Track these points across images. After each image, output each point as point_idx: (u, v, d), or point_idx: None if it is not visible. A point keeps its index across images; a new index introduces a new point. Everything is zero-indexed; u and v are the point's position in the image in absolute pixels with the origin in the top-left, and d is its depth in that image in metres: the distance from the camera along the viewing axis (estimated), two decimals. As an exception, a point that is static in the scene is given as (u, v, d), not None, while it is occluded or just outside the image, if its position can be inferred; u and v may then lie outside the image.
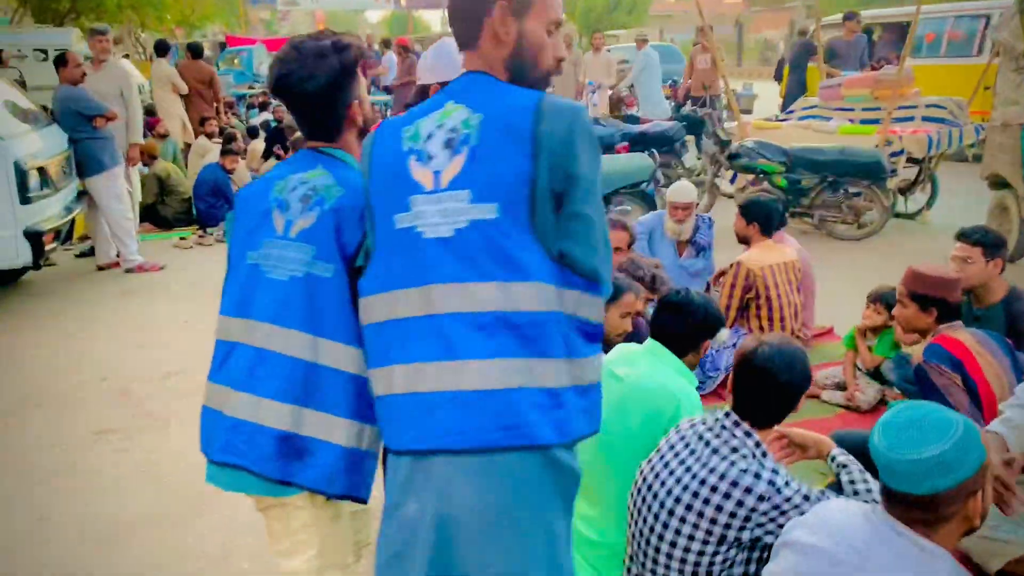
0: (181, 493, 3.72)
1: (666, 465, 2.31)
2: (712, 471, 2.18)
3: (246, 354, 1.94)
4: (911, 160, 7.99)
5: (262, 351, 1.92)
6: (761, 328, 4.49)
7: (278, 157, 11.24)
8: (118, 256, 7.41)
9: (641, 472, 2.42)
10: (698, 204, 5.49)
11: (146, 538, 3.42)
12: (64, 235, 6.50)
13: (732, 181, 8.61)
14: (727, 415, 2.30)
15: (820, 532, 1.86)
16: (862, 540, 1.77)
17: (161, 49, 11.05)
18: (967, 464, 1.67)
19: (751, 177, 7.92)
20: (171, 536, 3.43)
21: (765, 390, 2.25)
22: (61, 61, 6.95)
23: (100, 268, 7.44)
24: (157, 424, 4.45)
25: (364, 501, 1.96)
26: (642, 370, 2.74)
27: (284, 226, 1.94)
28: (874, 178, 7.35)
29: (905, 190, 8.34)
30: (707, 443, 2.25)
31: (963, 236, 3.77)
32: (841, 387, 4.45)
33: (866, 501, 2.18)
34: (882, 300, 4.33)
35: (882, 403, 4.33)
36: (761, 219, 4.55)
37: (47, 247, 6.09)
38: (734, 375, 2.31)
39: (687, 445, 2.30)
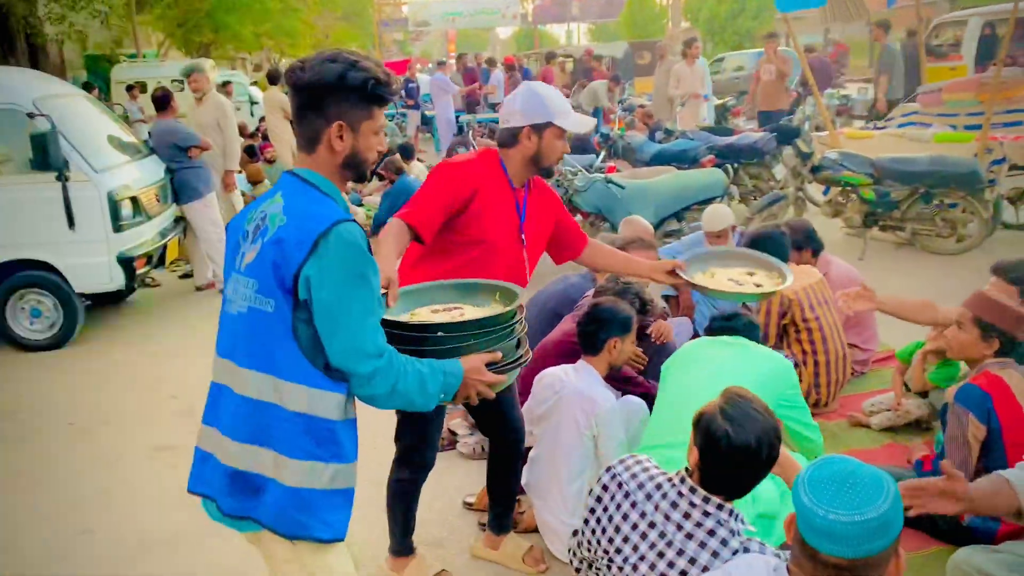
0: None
1: (626, 540, 2.20)
2: (692, 562, 2.08)
3: (213, 389, 2.04)
4: (1017, 167, 7.42)
5: (221, 387, 2.00)
6: (804, 352, 4.30)
7: (381, 177, 11.66)
8: (214, 277, 7.88)
9: (587, 523, 2.34)
10: (735, 227, 5.30)
11: (172, 552, 3.64)
12: (156, 259, 6.96)
13: (825, 193, 8.25)
14: (693, 491, 2.14)
15: None
16: None
17: (272, 78, 11.67)
18: (898, 522, 1.58)
19: (839, 189, 7.58)
20: (193, 552, 3.62)
21: (739, 470, 2.10)
22: (162, 101, 7.50)
23: (199, 289, 7.93)
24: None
25: (322, 541, 1.92)
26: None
27: (240, 259, 1.97)
28: (970, 188, 6.87)
29: (1015, 200, 7.75)
30: (679, 526, 2.12)
31: (999, 272, 3.52)
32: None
33: None
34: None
35: (926, 428, 4.09)
36: (771, 250, 4.32)
37: (139, 271, 6.55)
38: (702, 453, 2.12)
39: (645, 518, 2.18)
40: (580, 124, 2.89)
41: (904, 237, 7.43)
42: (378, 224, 9.32)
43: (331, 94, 1.92)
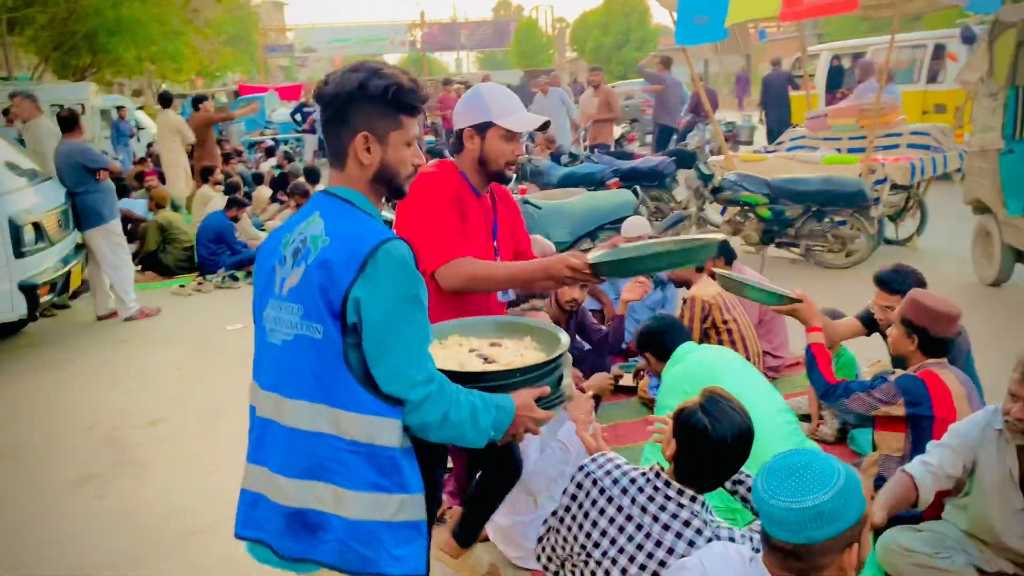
0: (151, 537, 3.83)
1: (603, 533, 2.27)
2: (670, 552, 2.17)
3: (258, 424, 1.91)
4: (898, 187, 8.03)
5: (268, 422, 1.87)
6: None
7: (281, 202, 11.52)
8: (115, 306, 7.59)
9: (562, 521, 2.41)
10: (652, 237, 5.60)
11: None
12: (60, 287, 6.68)
13: (723, 213, 8.68)
14: (668, 484, 2.24)
15: None
16: None
17: (165, 101, 11.36)
18: (846, 516, 1.67)
19: (737, 209, 8.00)
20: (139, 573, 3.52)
21: (715, 464, 2.21)
22: (69, 121, 7.20)
23: (99, 318, 7.62)
24: (137, 470, 4.57)
25: None
26: None
27: (280, 284, 1.86)
28: (857, 206, 7.39)
29: (895, 217, 8.37)
30: (655, 518, 2.22)
31: (880, 283, 3.82)
32: (806, 418, 4.48)
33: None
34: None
35: (845, 435, 4.35)
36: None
37: (42, 299, 6.28)
38: (680, 446, 2.23)
39: (622, 512, 2.26)
40: (524, 123, 2.74)
41: (798, 253, 7.90)
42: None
43: (353, 104, 1.85)
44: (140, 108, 19.36)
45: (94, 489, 4.37)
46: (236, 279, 8.76)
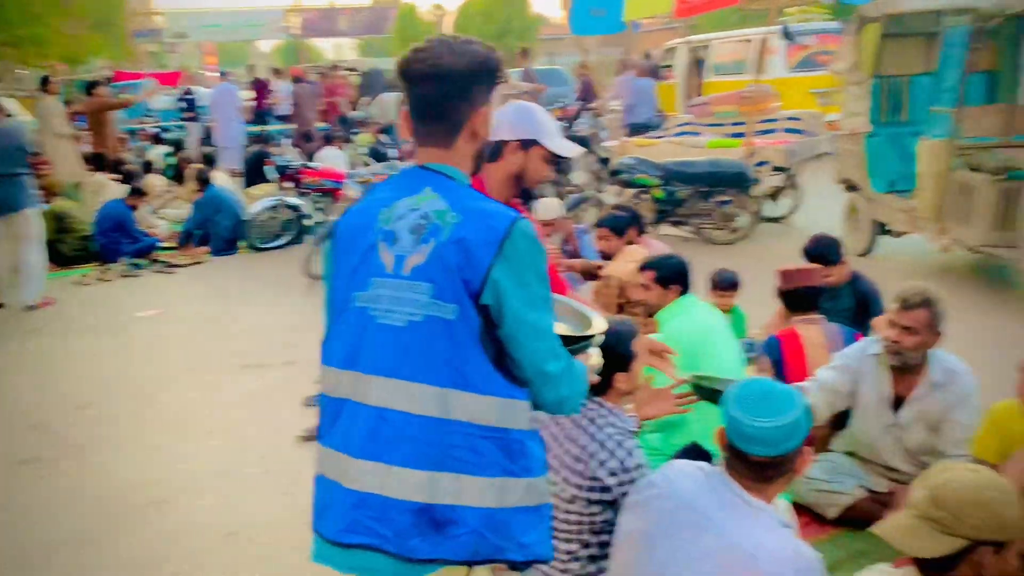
0: (105, 512, 3.93)
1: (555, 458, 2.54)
2: (585, 449, 2.48)
3: (363, 414, 1.74)
4: (776, 169, 8.74)
5: (383, 411, 1.71)
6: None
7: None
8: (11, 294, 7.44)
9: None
10: (573, 218, 6.00)
11: (72, 557, 3.61)
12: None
13: (619, 196, 9.20)
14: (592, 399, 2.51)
15: (668, 493, 2.16)
16: (703, 500, 2.08)
17: (47, 86, 10.96)
18: (807, 425, 2.03)
19: (632, 191, 8.52)
20: (98, 553, 3.63)
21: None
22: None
23: (31, 308, 7.40)
24: (76, 452, 4.61)
25: (517, 566, 1.77)
26: None
27: (395, 262, 1.74)
28: (741, 187, 8.03)
29: (772, 196, 9.09)
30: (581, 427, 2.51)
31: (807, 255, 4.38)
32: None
33: None
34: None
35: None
36: (618, 231, 5.07)
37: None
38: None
39: (564, 429, 2.57)
40: (568, 149, 2.75)
41: (689, 231, 8.50)
42: (187, 234, 9.17)
43: (477, 78, 1.79)
44: (10, 95, 18.33)
45: (35, 471, 4.41)
46: (139, 267, 8.66)
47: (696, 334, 3.51)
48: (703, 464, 2.25)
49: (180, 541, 3.66)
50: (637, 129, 11.96)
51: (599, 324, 2.08)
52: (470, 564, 1.71)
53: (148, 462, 4.43)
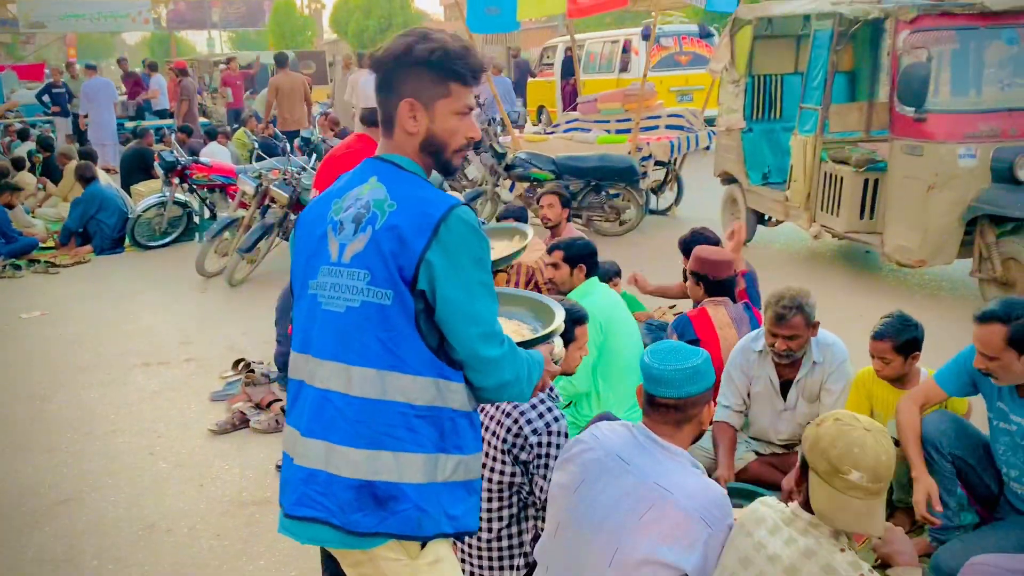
0: (11, 513, 3.85)
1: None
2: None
3: (311, 395, 1.83)
4: (659, 163, 9.16)
5: (326, 392, 1.79)
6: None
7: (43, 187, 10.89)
8: None
9: None
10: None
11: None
12: None
13: (511, 190, 9.42)
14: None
15: (594, 446, 2.36)
16: (626, 449, 2.29)
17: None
18: (708, 378, 2.27)
19: (527, 185, 8.75)
20: (10, 553, 3.56)
21: None
22: None
23: None
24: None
25: (452, 535, 1.85)
26: None
27: (338, 251, 1.80)
28: (629, 180, 8.39)
29: (656, 190, 9.52)
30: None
31: (682, 247, 4.67)
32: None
33: None
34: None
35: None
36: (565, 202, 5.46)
37: None
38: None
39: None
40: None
41: (581, 224, 8.80)
42: (68, 233, 8.83)
43: (400, 69, 1.80)
44: None
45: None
46: (19, 268, 8.28)
47: (604, 311, 3.74)
48: (627, 422, 2.46)
49: (96, 536, 3.63)
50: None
51: (560, 317, 2.19)
52: (419, 539, 1.79)
53: (50, 463, 4.33)
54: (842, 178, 6.60)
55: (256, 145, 10.49)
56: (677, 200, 9.62)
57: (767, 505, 2.23)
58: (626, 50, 14.53)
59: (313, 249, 1.86)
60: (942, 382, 3.15)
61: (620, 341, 3.48)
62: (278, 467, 4.15)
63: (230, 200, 8.80)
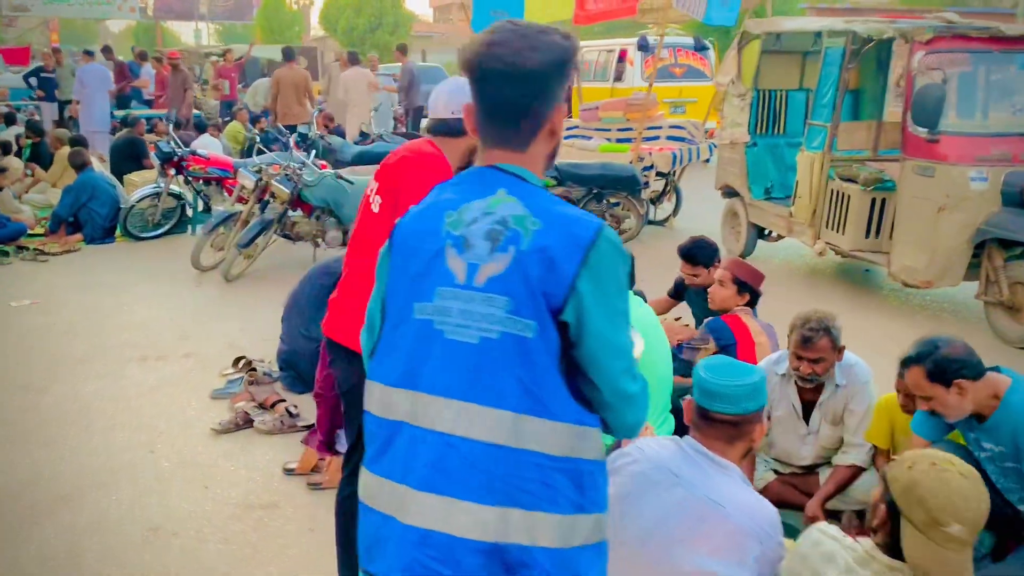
0: (9, 509, 3.73)
1: None
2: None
3: (424, 441, 1.55)
4: (659, 174, 9.14)
5: (449, 437, 1.53)
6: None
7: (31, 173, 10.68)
8: None
9: None
10: None
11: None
12: None
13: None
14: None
15: (640, 459, 2.31)
16: (675, 462, 2.25)
17: None
18: (763, 395, 2.25)
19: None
20: (7, 551, 3.44)
21: None
22: None
23: None
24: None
25: None
26: None
27: (467, 272, 1.55)
28: (631, 190, 8.36)
29: (655, 200, 9.49)
30: None
31: (685, 256, 4.65)
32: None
33: None
34: None
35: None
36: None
37: None
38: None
39: None
40: None
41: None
42: (57, 220, 8.65)
43: (558, 75, 1.60)
44: None
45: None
46: (6, 254, 8.09)
47: (640, 323, 3.71)
48: (673, 438, 2.41)
49: (99, 536, 3.52)
50: None
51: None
52: None
53: (48, 458, 4.20)
54: (849, 196, 6.61)
55: (258, 139, 10.32)
56: (675, 211, 9.60)
57: (831, 537, 2.18)
58: (621, 59, 14.53)
59: (423, 267, 1.59)
60: (918, 430, 3.18)
61: (654, 355, 3.43)
62: (285, 470, 4.07)
63: (226, 194, 8.67)
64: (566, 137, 10.11)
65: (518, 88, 1.58)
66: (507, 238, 1.54)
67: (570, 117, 10.71)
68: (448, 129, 2.65)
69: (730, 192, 8.29)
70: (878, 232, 6.52)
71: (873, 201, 6.48)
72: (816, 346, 3.35)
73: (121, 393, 4.99)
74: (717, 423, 2.23)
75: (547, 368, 1.52)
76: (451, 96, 2.67)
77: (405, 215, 1.71)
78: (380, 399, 1.62)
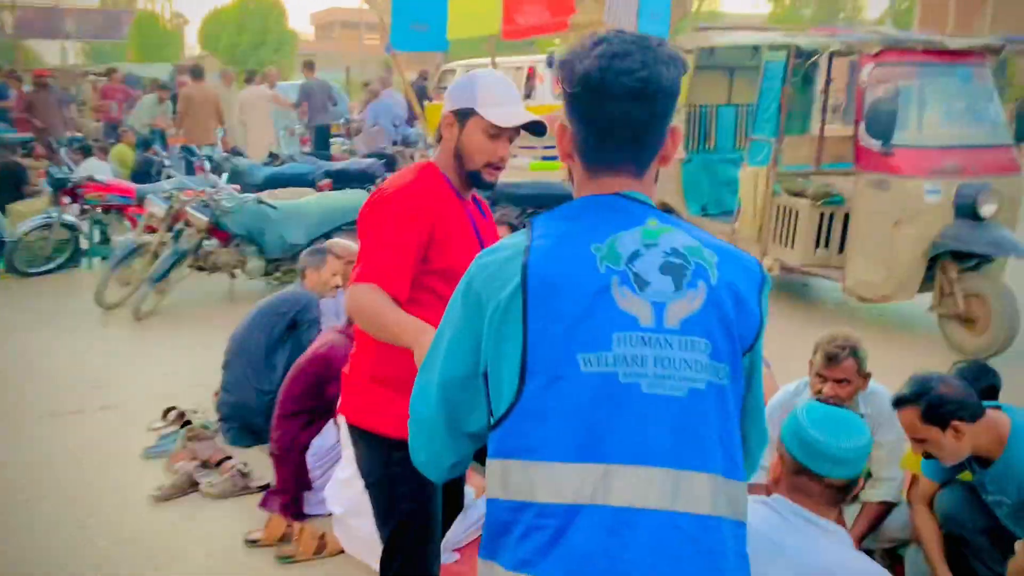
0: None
1: None
2: None
3: (634, 524, 1.27)
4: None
5: (672, 516, 1.27)
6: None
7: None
8: None
9: None
10: None
11: None
12: None
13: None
14: None
15: None
16: (774, 531, 1.97)
17: None
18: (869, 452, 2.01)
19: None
20: None
21: None
22: None
23: None
24: None
25: None
26: None
27: (652, 312, 1.33)
28: (566, 208, 8.10)
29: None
30: None
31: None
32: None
33: None
34: None
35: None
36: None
37: None
38: None
39: None
40: (508, 116, 2.20)
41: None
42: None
43: (678, 92, 1.43)
44: None
45: None
46: None
47: None
48: (763, 500, 2.13)
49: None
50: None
51: None
52: None
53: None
54: (798, 211, 6.53)
55: (166, 162, 9.47)
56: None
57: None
58: (530, 77, 14.40)
59: (583, 310, 1.32)
60: (927, 471, 3.02)
61: None
62: (247, 542, 3.54)
63: (128, 223, 7.91)
64: (491, 156, 9.84)
65: (647, 107, 1.37)
66: (693, 272, 1.36)
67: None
68: (437, 132, 2.37)
69: (667, 210, 8.13)
70: (827, 246, 6.46)
71: (822, 215, 6.43)
72: (842, 366, 3.15)
73: (36, 458, 4.30)
74: (831, 488, 1.97)
75: (735, 419, 1.37)
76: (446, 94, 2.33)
77: (530, 256, 1.36)
78: (534, 480, 1.30)
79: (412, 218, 2.15)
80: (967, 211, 5.61)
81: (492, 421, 1.38)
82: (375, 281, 2.08)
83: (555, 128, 1.52)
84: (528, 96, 14.41)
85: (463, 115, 2.23)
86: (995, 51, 6.17)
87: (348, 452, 3.39)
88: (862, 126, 5.89)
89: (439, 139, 2.34)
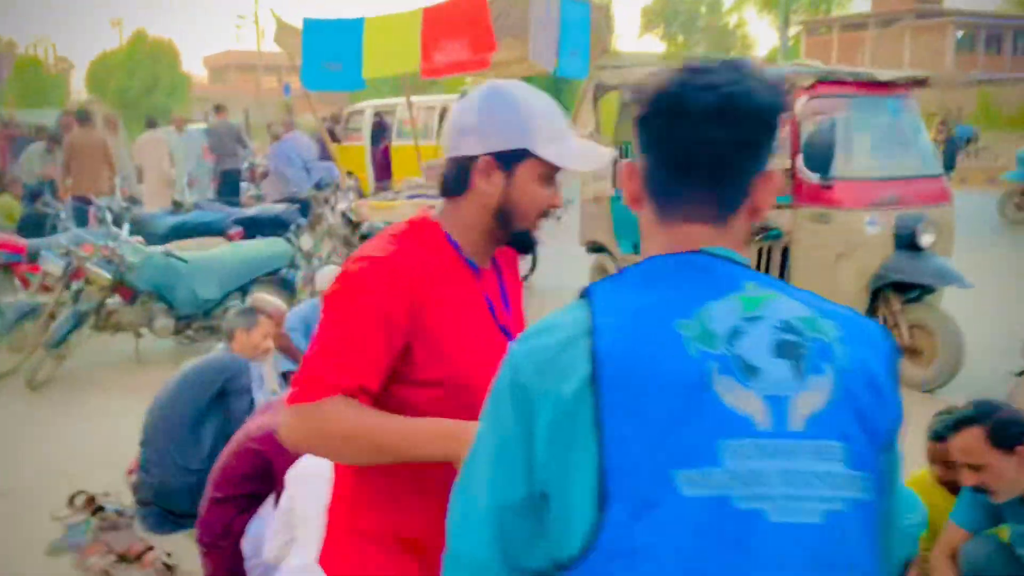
0: None
1: None
2: None
3: None
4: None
5: None
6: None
7: None
8: None
9: None
10: None
11: None
12: None
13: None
14: None
15: None
16: None
17: None
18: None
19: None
20: None
21: None
22: None
23: None
24: None
25: None
26: None
27: (768, 410, 1.01)
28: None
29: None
30: None
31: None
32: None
33: None
34: None
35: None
36: None
37: None
38: None
39: None
40: (580, 156, 1.63)
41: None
42: None
43: (777, 127, 1.14)
44: None
45: None
46: None
47: None
48: None
49: None
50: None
51: None
52: None
53: None
54: (735, 246, 6.43)
55: (62, 213, 8.80)
56: (532, 268, 9.17)
57: None
58: (443, 117, 14.21)
59: (680, 410, 0.99)
60: (959, 519, 2.77)
61: None
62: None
63: (17, 281, 7.22)
64: (412, 196, 9.47)
65: (732, 131, 1.07)
66: (813, 352, 1.04)
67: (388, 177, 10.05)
68: (441, 185, 1.68)
69: (597, 248, 7.97)
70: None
71: (760, 250, 6.34)
72: None
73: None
74: None
75: (876, 540, 1.06)
76: (460, 125, 1.64)
77: (601, 337, 1.03)
78: None
79: (378, 305, 1.52)
80: (906, 242, 5.61)
81: (560, 561, 1.03)
82: (340, 391, 1.48)
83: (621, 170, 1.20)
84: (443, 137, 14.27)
85: (511, 159, 1.58)
86: (920, 83, 6.26)
87: (303, 532, 2.97)
88: (799, 159, 5.84)
89: (447, 191, 1.66)
